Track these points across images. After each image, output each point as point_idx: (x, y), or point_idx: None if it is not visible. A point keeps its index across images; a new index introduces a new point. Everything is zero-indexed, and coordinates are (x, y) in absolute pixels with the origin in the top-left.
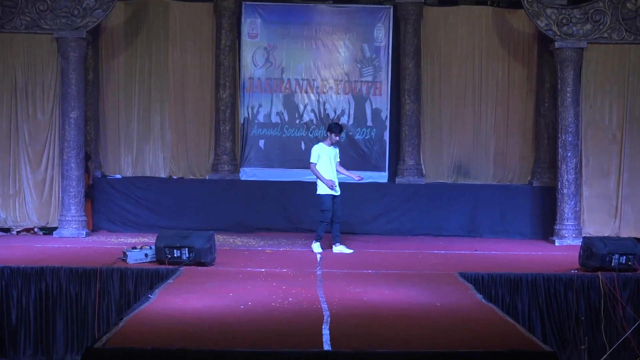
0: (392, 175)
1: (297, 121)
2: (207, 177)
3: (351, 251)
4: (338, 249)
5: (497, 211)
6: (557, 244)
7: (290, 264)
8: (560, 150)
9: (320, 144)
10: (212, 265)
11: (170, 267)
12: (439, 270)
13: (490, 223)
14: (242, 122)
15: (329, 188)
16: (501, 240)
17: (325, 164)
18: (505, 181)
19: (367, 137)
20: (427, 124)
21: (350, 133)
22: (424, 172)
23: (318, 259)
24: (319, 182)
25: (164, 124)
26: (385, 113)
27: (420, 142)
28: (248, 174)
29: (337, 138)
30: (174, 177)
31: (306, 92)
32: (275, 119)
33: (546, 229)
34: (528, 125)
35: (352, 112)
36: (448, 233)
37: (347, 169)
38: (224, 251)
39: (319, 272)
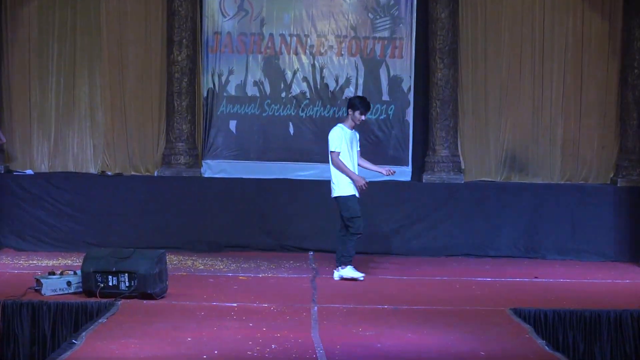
0: (418, 171)
1: (284, 94)
2: (155, 174)
3: (361, 276)
4: (344, 272)
5: (566, 222)
6: None
7: (273, 297)
8: None
9: (341, 126)
10: (163, 298)
11: (103, 300)
12: (485, 306)
13: (557, 239)
14: (205, 95)
15: (357, 188)
16: (572, 262)
17: (346, 154)
18: (578, 180)
19: (382, 117)
20: (467, 99)
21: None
22: (462, 167)
23: (313, 290)
24: (338, 180)
25: (93, 99)
26: (408, 83)
27: (458, 125)
28: (214, 168)
29: (364, 118)
30: (109, 174)
31: (296, 53)
32: (252, 91)
33: (637, 248)
34: (610, 101)
35: (360, 81)
36: (497, 253)
37: None
38: (180, 278)
39: (314, 309)
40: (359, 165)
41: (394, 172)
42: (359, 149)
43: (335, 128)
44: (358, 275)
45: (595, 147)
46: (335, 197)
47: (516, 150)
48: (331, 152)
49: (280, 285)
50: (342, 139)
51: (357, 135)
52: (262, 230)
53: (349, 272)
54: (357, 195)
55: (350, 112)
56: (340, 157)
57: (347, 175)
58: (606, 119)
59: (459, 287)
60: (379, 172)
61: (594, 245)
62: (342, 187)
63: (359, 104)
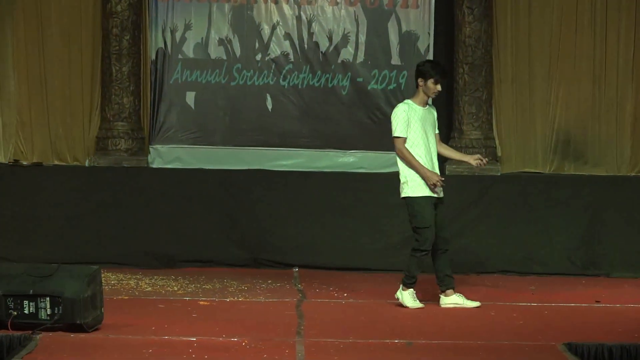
0: (440, 159)
1: (259, 57)
2: (86, 164)
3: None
4: (451, 300)
5: (638, 228)
6: None
7: (245, 328)
8: None
9: (408, 102)
10: (97, 329)
11: (17, 333)
12: (530, 340)
13: (626, 250)
14: (153, 58)
15: (430, 187)
16: None
17: (419, 140)
18: None
19: (391, 87)
20: (505, 63)
21: (359, 79)
22: (499, 154)
23: (299, 319)
24: (406, 176)
25: (3, 63)
26: (426, 41)
27: (493, 97)
28: (165, 156)
29: (439, 88)
30: (24, 164)
31: (275, 1)
32: (216, 52)
33: None
34: None
35: (362, 39)
36: (546, 269)
37: (350, 142)
38: (120, 303)
39: (300, 344)
40: (438, 153)
41: (487, 161)
42: (437, 131)
43: (399, 106)
44: (415, 305)
45: None
46: (404, 198)
47: (571, 131)
48: (394, 137)
49: (255, 312)
50: (408, 121)
51: (435, 113)
52: (231, 240)
53: (406, 298)
54: (434, 195)
55: (420, 82)
56: (408, 144)
57: (415, 169)
58: None
59: (494, 315)
60: (466, 162)
61: None
62: (411, 185)
63: (432, 69)
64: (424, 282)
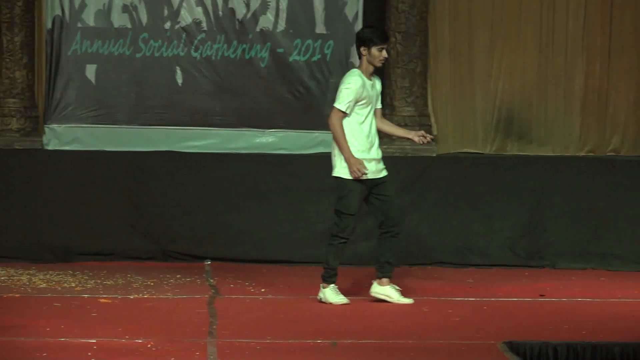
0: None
1: (168, 25)
2: None
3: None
4: (384, 290)
5: (587, 214)
6: None
7: (151, 328)
8: None
9: (356, 72)
10: None
11: None
12: (467, 338)
13: (573, 239)
14: (49, 27)
15: (352, 172)
16: (594, 273)
17: (360, 114)
18: (606, 151)
19: (315, 59)
20: (441, 31)
21: (280, 50)
22: (435, 133)
23: (211, 318)
24: (338, 153)
25: None
26: (355, 7)
27: (429, 70)
28: (62, 137)
29: (385, 55)
30: None
31: None
32: (120, 20)
33: None
34: None
35: (283, 5)
36: (485, 260)
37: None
38: (11, 302)
39: (212, 346)
40: (378, 129)
41: (431, 138)
42: (379, 106)
43: (355, 77)
44: (339, 300)
45: (632, 101)
46: (335, 177)
47: (514, 107)
48: (335, 107)
49: (162, 310)
50: (356, 93)
51: (379, 86)
52: (135, 230)
53: (329, 295)
54: (370, 177)
55: (363, 51)
56: (347, 122)
57: (340, 148)
58: None
59: (428, 311)
60: (408, 139)
61: (627, 249)
62: (343, 164)
63: (373, 34)
64: (349, 274)
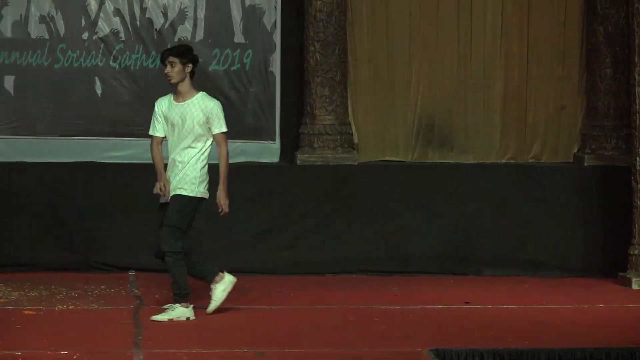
0: (290, 147)
1: (86, 35)
2: None
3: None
4: (171, 314)
5: (509, 221)
6: (635, 286)
7: (76, 340)
8: None
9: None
10: None
11: None
12: (392, 346)
13: (497, 246)
14: None
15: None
16: (519, 280)
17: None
18: (527, 157)
19: (235, 68)
20: (361, 39)
21: (201, 60)
22: (355, 141)
23: (136, 328)
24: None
25: None
26: (273, 16)
27: (348, 78)
28: None
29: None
30: None
31: None
32: (37, 30)
33: (612, 257)
34: (572, 39)
35: (201, 14)
36: (409, 267)
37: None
38: None
39: (137, 358)
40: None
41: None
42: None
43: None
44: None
45: (551, 107)
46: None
47: (435, 115)
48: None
49: (87, 321)
50: (158, 116)
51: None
52: (58, 241)
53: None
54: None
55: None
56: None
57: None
58: (566, 66)
59: (353, 320)
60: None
61: (550, 255)
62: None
63: (163, 54)
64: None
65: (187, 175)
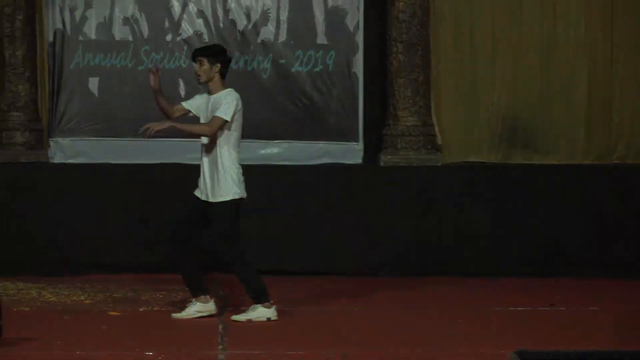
0: (373, 149)
1: (169, 37)
2: None
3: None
4: (251, 314)
5: (596, 223)
6: None
7: (162, 340)
8: None
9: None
10: None
11: None
12: (478, 348)
13: (583, 246)
14: (51, 40)
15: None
16: (605, 282)
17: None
18: (612, 159)
19: (317, 69)
20: (444, 40)
21: (282, 61)
22: (439, 142)
23: (220, 330)
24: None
25: None
26: (355, 18)
27: (431, 79)
28: (67, 150)
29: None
30: None
31: None
32: (121, 32)
33: None
34: None
35: (284, 16)
36: (494, 270)
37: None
38: (21, 315)
39: (222, 358)
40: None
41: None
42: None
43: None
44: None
45: (637, 108)
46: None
47: (519, 115)
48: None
49: (171, 323)
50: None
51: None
52: (143, 242)
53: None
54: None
55: None
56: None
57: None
58: None
59: (438, 322)
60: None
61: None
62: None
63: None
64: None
65: (222, 179)
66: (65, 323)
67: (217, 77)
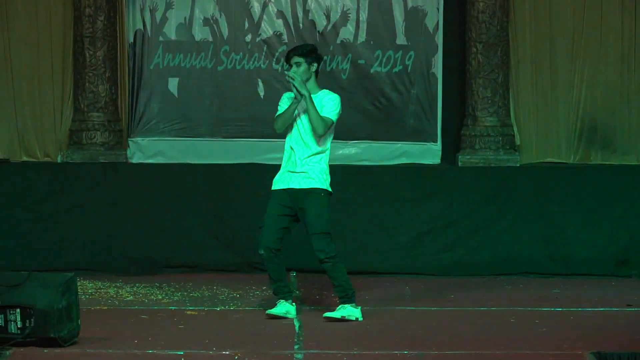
0: (451, 149)
1: (249, 37)
2: (59, 159)
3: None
4: (343, 312)
5: None
6: None
7: (238, 340)
8: None
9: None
10: (73, 344)
11: None
12: (553, 348)
13: None
14: (131, 40)
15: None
16: None
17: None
18: None
19: (396, 70)
20: (523, 40)
21: (361, 61)
22: (518, 143)
23: (297, 330)
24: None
25: None
26: (435, 18)
27: (510, 79)
28: (146, 150)
29: (287, 74)
30: None
31: None
32: (201, 33)
33: None
34: None
35: (363, 16)
36: (571, 270)
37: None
38: (99, 314)
39: (298, 356)
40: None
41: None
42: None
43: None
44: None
45: None
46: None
47: (598, 116)
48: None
49: (248, 322)
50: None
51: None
52: (220, 242)
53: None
54: (282, 187)
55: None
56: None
57: None
58: None
59: (514, 322)
60: None
61: None
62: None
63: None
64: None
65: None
66: (142, 322)
67: (313, 77)
